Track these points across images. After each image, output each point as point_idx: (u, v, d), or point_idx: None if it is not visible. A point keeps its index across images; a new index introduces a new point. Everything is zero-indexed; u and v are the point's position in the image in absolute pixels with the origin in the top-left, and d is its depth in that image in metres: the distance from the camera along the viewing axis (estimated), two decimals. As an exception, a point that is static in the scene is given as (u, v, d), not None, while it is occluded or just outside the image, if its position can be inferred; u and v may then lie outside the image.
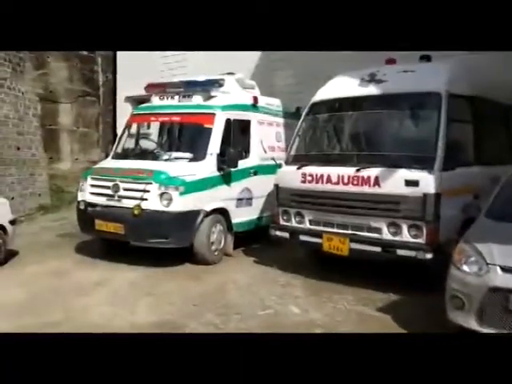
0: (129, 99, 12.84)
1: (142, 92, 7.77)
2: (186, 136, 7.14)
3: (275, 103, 7.83)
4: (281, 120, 7.81)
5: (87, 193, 6.46)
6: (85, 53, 13.46)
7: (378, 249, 5.09)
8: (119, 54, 13.68)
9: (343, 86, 6.08)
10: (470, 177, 5.33)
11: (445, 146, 4.95)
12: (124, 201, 6.08)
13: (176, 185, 5.88)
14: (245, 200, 6.87)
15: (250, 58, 10.02)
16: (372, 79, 5.80)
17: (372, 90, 5.68)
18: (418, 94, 5.35)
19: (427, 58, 6.05)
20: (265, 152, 7.30)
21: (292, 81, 9.97)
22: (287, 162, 6.03)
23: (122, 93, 13.18)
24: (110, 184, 6.20)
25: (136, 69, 11.93)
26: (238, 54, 9.63)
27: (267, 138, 7.39)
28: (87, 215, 6.38)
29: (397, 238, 5.01)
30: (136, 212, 5.87)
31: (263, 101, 7.47)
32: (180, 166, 6.24)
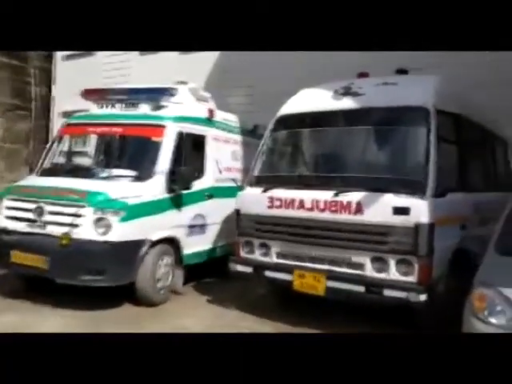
0: (67, 114, 11.84)
1: (82, 107, 6.77)
2: (129, 150, 6.10)
3: (232, 119, 7.06)
4: (238, 137, 7.03)
5: (2, 217, 5.29)
6: (17, 63, 12.35)
7: (360, 288, 4.30)
8: (58, 66, 12.87)
9: (313, 99, 5.34)
10: (459, 204, 4.71)
11: (436, 169, 4.30)
12: (49, 227, 4.99)
13: (115, 209, 4.88)
14: (198, 227, 5.95)
15: (202, 70, 9.30)
16: (347, 92, 5.10)
17: (348, 103, 4.97)
18: (401, 108, 4.65)
19: (404, 72, 5.51)
20: (220, 172, 6.46)
21: (248, 97, 9.24)
22: (250, 184, 5.18)
23: (59, 107, 12.28)
24: (32, 206, 5.09)
25: (76, 82, 10.89)
26: (190, 65, 8.96)
27: (223, 156, 6.57)
28: (1, 244, 5.20)
29: (383, 276, 4.27)
30: (64, 242, 4.81)
31: (219, 115, 6.66)
32: (121, 185, 5.23)
